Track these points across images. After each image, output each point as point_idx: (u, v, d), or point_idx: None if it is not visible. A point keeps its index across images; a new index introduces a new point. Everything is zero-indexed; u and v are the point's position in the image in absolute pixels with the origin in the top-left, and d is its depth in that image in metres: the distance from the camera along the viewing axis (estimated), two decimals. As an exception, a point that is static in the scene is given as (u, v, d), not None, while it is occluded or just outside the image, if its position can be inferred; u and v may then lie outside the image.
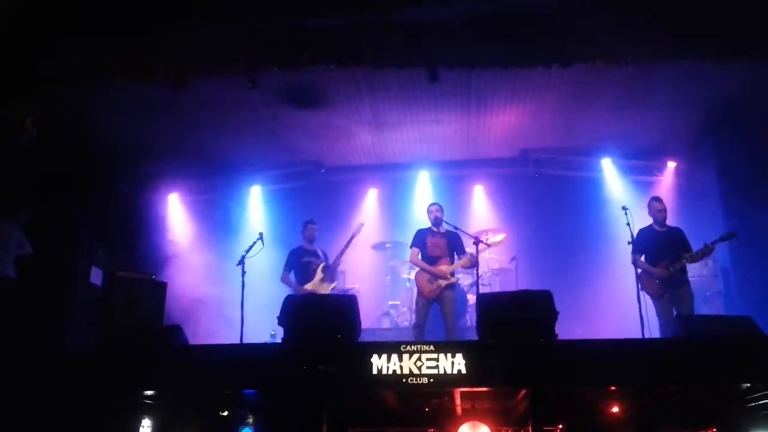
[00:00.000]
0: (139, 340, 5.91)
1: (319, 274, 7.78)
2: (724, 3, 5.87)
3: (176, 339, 5.78)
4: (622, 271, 7.63)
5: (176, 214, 10.74)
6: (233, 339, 7.99)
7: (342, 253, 8.15)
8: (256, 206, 10.92)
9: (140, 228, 10.03)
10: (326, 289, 7.79)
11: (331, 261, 8.12)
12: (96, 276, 9.34)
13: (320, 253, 8.11)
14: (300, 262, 7.96)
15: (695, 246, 7.11)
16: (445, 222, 7.54)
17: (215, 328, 7.94)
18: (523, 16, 6.11)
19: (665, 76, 7.76)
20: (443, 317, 7.13)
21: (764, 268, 8.08)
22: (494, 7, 6.13)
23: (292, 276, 7.95)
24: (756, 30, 6.04)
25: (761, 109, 8.07)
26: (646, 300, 6.85)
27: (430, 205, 7.69)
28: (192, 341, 6.23)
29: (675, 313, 6.80)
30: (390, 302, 9.61)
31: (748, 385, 5.11)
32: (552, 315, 5.23)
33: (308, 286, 7.76)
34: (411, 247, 7.51)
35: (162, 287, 8.39)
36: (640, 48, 6.21)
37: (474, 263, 7.27)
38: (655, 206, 7.17)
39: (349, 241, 8.24)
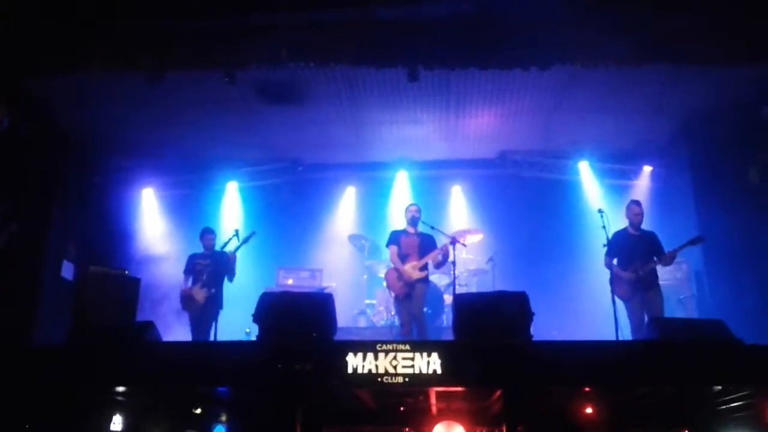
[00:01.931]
0: (111, 335, 5.82)
1: (202, 279, 7.60)
2: (703, 10, 5.93)
3: (149, 335, 5.70)
4: (597, 273, 7.69)
5: (150, 209, 10.61)
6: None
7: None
8: (232, 202, 10.81)
9: (114, 222, 9.91)
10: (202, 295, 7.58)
11: (231, 268, 7.73)
12: (67, 270, 9.20)
13: (219, 258, 7.74)
14: (194, 268, 7.80)
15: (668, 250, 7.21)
16: (423, 222, 7.55)
17: (188, 325, 7.80)
18: (503, 18, 6.12)
19: (643, 81, 7.84)
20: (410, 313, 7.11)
21: (736, 272, 8.22)
22: (474, 8, 6.12)
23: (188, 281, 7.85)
24: (734, 37, 6.13)
25: (736, 116, 8.19)
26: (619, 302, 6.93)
27: (409, 205, 7.70)
28: (165, 338, 6.16)
29: (645, 315, 6.87)
30: (366, 301, 9.59)
31: (720, 387, 5.18)
32: (527, 316, 5.25)
33: (195, 292, 7.59)
34: (387, 246, 7.53)
35: (135, 282, 8.23)
36: (618, 53, 6.26)
37: (444, 259, 7.27)
38: (633, 209, 7.25)
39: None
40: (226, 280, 7.63)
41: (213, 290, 7.54)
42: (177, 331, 7.84)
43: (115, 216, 9.94)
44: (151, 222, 10.48)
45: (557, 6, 6.02)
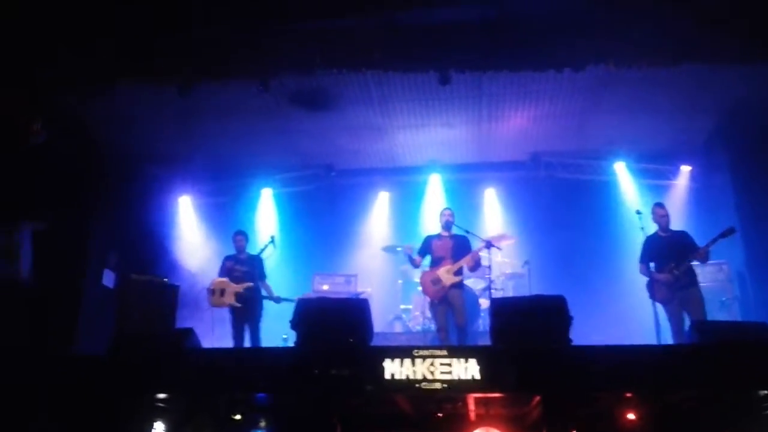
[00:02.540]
0: (152, 343, 5.92)
1: (239, 289, 7.67)
2: (739, 7, 5.80)
3: (189, 342, 5.78)
4: (636, 275, 7.57)
5: (188, 216, 10.78)
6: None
7: (277, 300, 7.89)
8: (267, 209, 10.92)
9: (152, 231, 10.06)
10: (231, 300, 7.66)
11: (262, 272, 8.01)
12: (108, 279, 9.39)
13: (252, 261, 7.94)
14: (227, 269, 7.93)
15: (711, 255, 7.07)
16: (456, 226, 7.53)
17: (226, 332, 7.90)
18: (535, 19, 6.07)
19: (678, 80, 7.68)
20: (453, 316, 7.10)
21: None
22: (505, 10, 6.09)
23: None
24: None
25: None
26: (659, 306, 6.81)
27: (443, 209, 7.72)
28: (204, 344, 6.24)
29: (686, 317, 6.74)
30: (402, 306, 9.58)
31: (766, 392, 5.04)
32: (566, 320, 5.18)
33: (229, 287, 7.69)
34: (416, 255, 7.60)
35: (174, 290, 8.41)
36: (652, 52, 6.16)
37: (478, 263, 7.24)
38: (658, 212, 7.18)
39: (286, 299, 7.89)
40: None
41: (246, 289, 7.64)
42: (215, 337, 7.93)
43: (154, 224, 10.10)
44: (189, 229, 10.65)
45: (588, 8, 5.95)
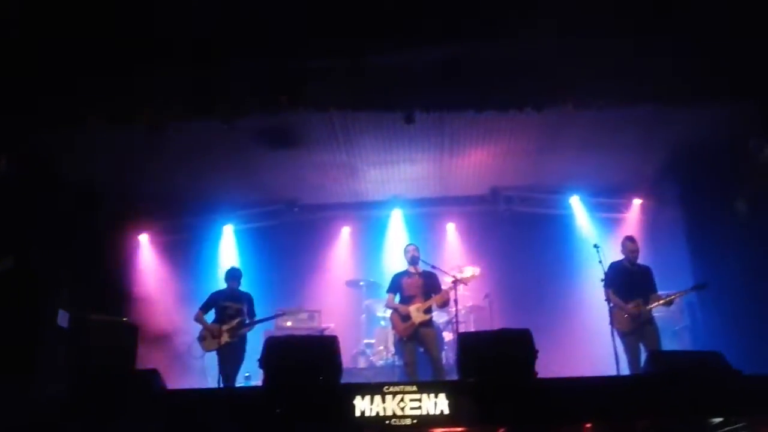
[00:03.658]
0: (115, 385, 5.78)
1: (231, 324, 7.61)
2: (689, 51, 6.18)
3: (154, 384, 5.68)
4: (593, 307, 7.80)
5: (147, 254, 10.61)
6: (203, 383, 7.92)
7: (260, 321, 8.06)
8: (228, 246, 10.85)
9: (110, 269, 9.85)
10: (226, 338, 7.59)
11: (252, 312, 7.98)
12: (63, 319, 9.12)
13: (244, 299, 7.92)
14: (219, 305, 7.82)
15: (660, 285, 7.35)
16: (423, 261, 7.63)
17: (188, 372, 7.79)
18: (499, 61, 6.32)
19: (631, 119, 8.05)
20: (427, 356, 7.17)
21: (728, 304, 8.33)
22: (470, 52, 6.32)
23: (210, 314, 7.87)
24: (715, 76, 6.36)
25: (722, 149, 8.40)
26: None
27: (407, 245, 7.79)
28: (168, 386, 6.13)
29: (642, 349, 6.96)
30: (365, 341, 9.59)
31: (721, 419, 5.24)
32: (532, 354, 5.32)
33: (221, 327, 7.59)
34: (387, 293, 7.62)
35: (134, 330, 8.23)
36: (608, 94, 6.48)
37: (446, 301, 7.35)
38: (629, 246, 7.37)
39: (272, 317, 8.33)
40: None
41: (238, 323, 7.58)
42: (180, 377, 7.80)
43: (112, 262, 9.90)
44: (148, 267, 10.48)
45: (550, 52, 6.24)
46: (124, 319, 8.34)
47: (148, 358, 8.41)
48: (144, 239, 10.66)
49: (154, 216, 10.45)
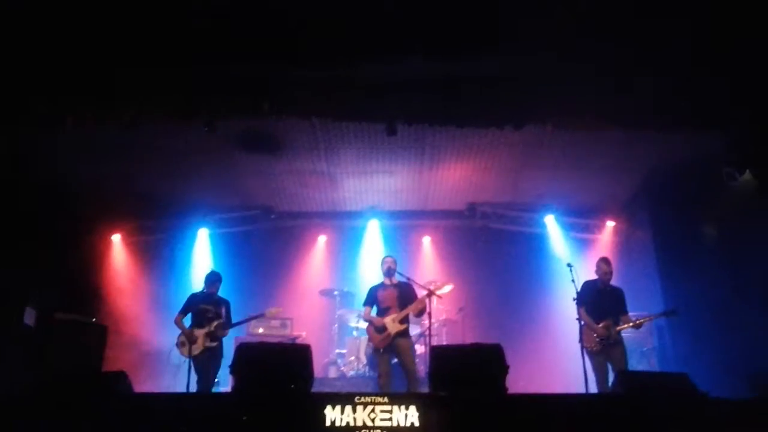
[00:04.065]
0: (80, 386, 5.68)
1: (210, 328, 7.47)
2: (665, 79, 6.34)
3: (120, 386, 5.59)
4: (563, 325, 7.88)
5: (119, 254, 10.47)
6: (174, 386, 7.80)
7: (242, 322, 8.01)
8: (203, 249, 10.76)
9: (81, 268, 9.69)
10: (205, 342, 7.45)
11: (236, 315, 7.85)
12: (29, 317, 8.95)
13: (222, 303, 7.77)
14: (197, 308, 7.64)
15: (631, 306, 7.46)
16: (399, 273, 7.64)
17: (158, 375, 7.68)
18: (482, 78, 6.40)
19: (606, 141, 8.24)
20: (401, 367, 7.17)
21: (696, 327, 8.48)
22: (454, 68, 6.39)
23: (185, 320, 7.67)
24: (691, 103, 6.52)
25: (693, 174, 8.59)
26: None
27: (385, 257, 7.78)
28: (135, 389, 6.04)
29: (610, 368, 7.05)
30: (337, 351, 9.57)
31: (686, 440, 5.33)
32: (503, 369, 5.36)
33: (196, 332, 7.46)
34: (363, 306, 7.61)
35: (102, 330, 8.12)
36: (586, 116, 6.61)
37: (423, 309, 7.36)
38: (603, 268, 7.43)
39: (255, 317, 8.17)
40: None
41: (216, 326, 7.44)
42: (153, 380, 7.68)
43: (82, 262, 9.75)
44: (120, 268, 10.33)
45: (532, 72, 6.36)
46: (93, 319, 8.19)
47: (118, 359, 8.32)
48: (117, 239, 10.52)
49: (128, 216, 10.33)
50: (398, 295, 7.39)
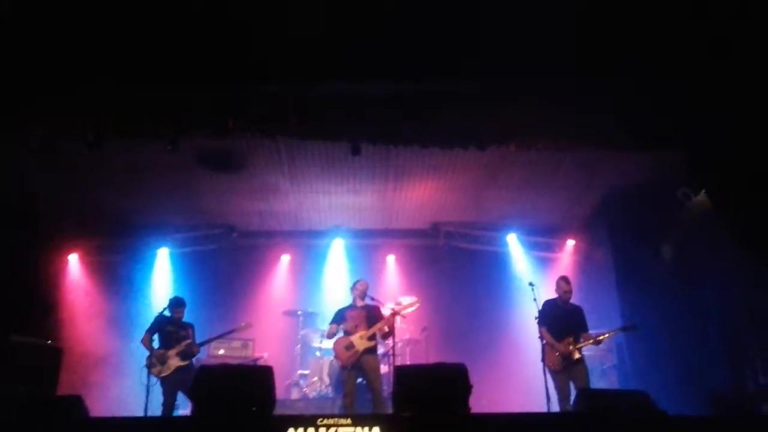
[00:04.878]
0: (34, 412, 5.49)
1: (180, 347, 7.47)
2: (626, 101, 6.52)
3: (76, 411, 5.42)
4: (525, 344, 7.94)
5: (76, 274, 10.21)
6: (135, 410, 7.58)
7: (212, 340, 8.05)
8: (162, 269, 10.56)
9: (36, 289, 9.39)
10: (177, 362, 7.46)
11: (197, 337, 7.83)
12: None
13: (188, 326, 7.80)
14: (164, 330, 7.63)
15: (592, 324, 7.57)
16: (367, 296, 7.64)
17: (116, 398, 7.48)
18: (446, 96, 6.48)
19: (566, 162, 8.42)
20: (368, 386, 7.13)
21: (654, 343, 8.66)
22: (418, 87, 6.46)
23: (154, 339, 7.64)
24: (634, 129, 6.72)
25: (650, 195, 8.81)
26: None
27: (359, 281, 7.73)
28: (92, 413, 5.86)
29: (572, 387, 7.13)
30: (300, 371, 9.45)
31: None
32: (466, 389, 5.36)
33: (167, 353, 7.44)
34: (330, 324, 7.57)
35: (57, 353, 7.89)
36: (548, 136, 6.73)
37: (391, 328, 7.36)
38: (563, 287, 7.56)
39: (226, 333, 8.14)
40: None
41: (186, 345, 7.44)
42: (105, 404, 7.47)
43: (38, 282, 9.46)
44: (77, 288, 10.07)
45: (495, 92, 6.47)
46: (48, 341, 7.95)
47: (75, 382, 8.08)
48: (74, 259, 10.25)
49: (86, 235, 10.08)
50: (366, 316, 7.40)
